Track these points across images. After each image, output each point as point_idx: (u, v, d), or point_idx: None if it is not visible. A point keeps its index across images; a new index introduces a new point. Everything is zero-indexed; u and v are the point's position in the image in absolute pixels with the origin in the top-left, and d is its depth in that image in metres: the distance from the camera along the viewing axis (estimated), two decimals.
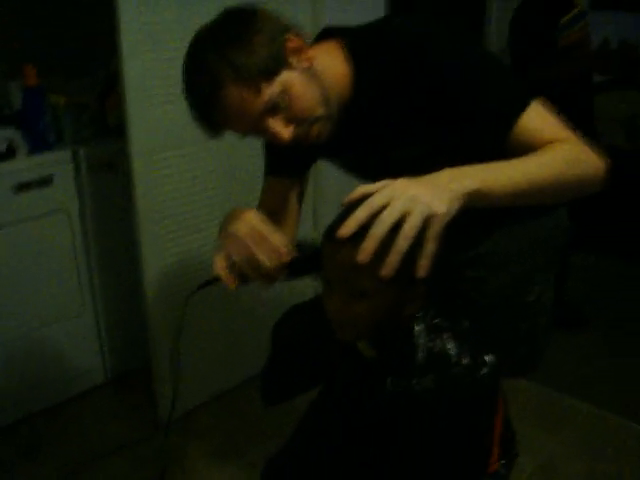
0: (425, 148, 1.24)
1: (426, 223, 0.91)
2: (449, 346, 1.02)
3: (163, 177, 2.12)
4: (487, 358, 1.03)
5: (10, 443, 2.28)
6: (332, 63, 1.20)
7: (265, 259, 1.10)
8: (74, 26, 2.62)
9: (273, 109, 1.11)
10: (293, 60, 1.13)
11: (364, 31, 1.25)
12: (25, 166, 2.17)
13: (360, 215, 0.91)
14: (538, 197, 1.09)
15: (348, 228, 0.91)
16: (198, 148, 2.19)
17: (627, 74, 3.40)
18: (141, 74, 1.97)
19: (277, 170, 1.44)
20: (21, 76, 2.21)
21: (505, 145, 1.14)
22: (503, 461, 1.15)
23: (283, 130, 1.14)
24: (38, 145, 2.23)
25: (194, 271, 2.24)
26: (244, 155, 2.32)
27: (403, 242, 0.90)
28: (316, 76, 1.15)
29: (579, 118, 2.93)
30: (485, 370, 1.01)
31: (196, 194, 2.24)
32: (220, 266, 1.14)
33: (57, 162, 2.25)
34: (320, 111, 1.15)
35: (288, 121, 1.14)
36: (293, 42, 1.13)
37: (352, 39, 1.23)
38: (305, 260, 1.11)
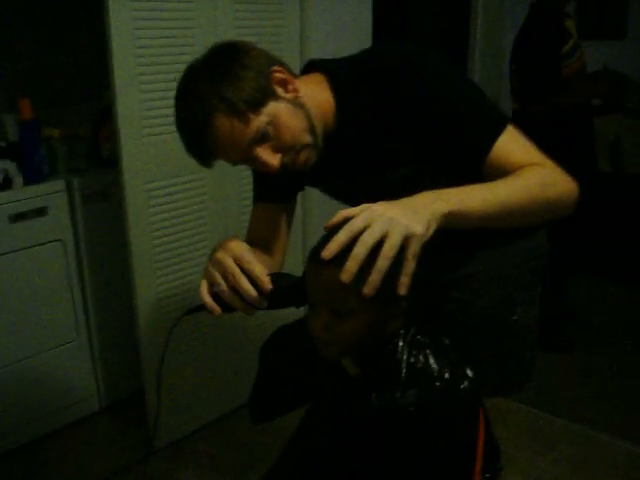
0: (408, 172, 1.30)
1: (405, 243, 0.96)
2: (431, 361, 1.05)
3: (155, 206, 2.16)
4: (467, 372, 1.07)
5: (5, 471, 2.28)
6: (317, 94, 1.25)
7: (247, 288, 1.13)
8: (68, 59, 2.69)
9: (261, 138, 1.16)
10: (279, 91, 1.18)
11: (347, 62, 1.30)
12: (20, 197, 2.21)
13: (342, 237, 0.96)
14: (512, 219, 1.14)
15: (331, 250, 0.96)
16: (190, 178, 2.23)
17: (612, 99, 3.47)
18: (134, 107, 2.02)
19: (265, 197, 1.48)
20: (16, 110, 2.26)
21: (481, 168, 1.19)
22: (488, 475, 1.19)
23: (271, 158, 1.18)
24: (33, 176, 2.28)
25: (186, 299, 2.27)
26: (235, 185, 2.37)
27: (383, 262, 0.94)
28: (302, 106, 1.20)
29: (580, 144, 3.01)
30: (465, 384, 1.05)
31: (188, 223, 2.27)
32: (205, 293, 1.17)
33: (52, 192, 2.30)
34: (306, 139, 1.20)
35: (276, 150, 1.18)
36: (279, 74, 1.18)
37: (336, 70, 1.28)
38: (285, 291, 1.14)
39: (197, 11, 2.10)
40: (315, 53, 2.49)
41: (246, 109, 1.13)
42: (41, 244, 2.30)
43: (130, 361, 2.53)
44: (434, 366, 1.05)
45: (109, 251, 2.47)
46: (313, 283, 1.04)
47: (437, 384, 1.03)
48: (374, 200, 1.01)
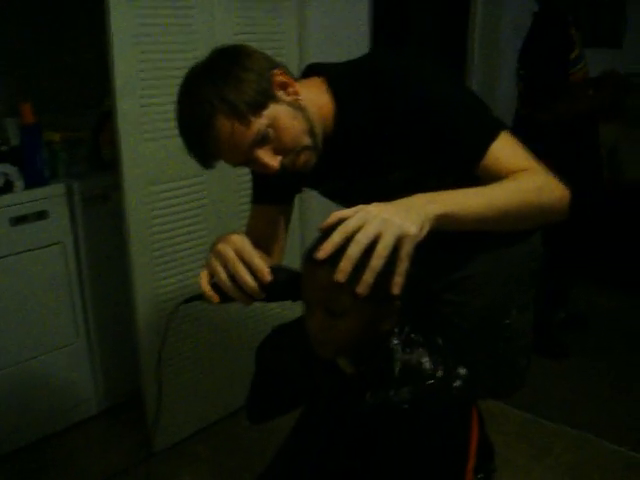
0: (406, 175, 1.32)
1: (398, 243, 0.98)
2: (424, 360, 1.08)
3: (155, 210, 2.17)
4: (460, 371, 1.09)
5: (3, 474, 2.29)
6: (316, 97, 1.27)
7: (247, 279, 1.15)
8: (69, 63, 2.71)
9: (262, 140, 1.18)
10: (280, 94, 1.20)
11: (346, 66, 1.33)
12: (21, 200, 2.23)
13: (336, 238, 0.98)
14: (505, 222, 1.16)
15: (325, 251, 0.98)
16: (189, 182, 2.25)
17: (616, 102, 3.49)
18: (134, 111, 2.04)
19: (264, 198, 1.50)
20: (18, 114, 2.28)
21: (476, 173, 1.21)
22: (481, 475, 1.20)
23: (271, 160, 1.20)
24: (34, 180, 2.29)
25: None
26: (234, 189, 2.39)
27: (377, 261, 0.96)
28: (302, 109, 1.22)
29: (587, 149, 3.03)
30: (458, 382, 1.07)
31: (187, 226, 2.29)
32: (204, 282, 1.19)
33: (52, 196, 2.31)
34: (306, 141, 1.22)
35: (276, 151, 1.21)
36: (280, 77, 1.21)
37: (335, 74, 1.31)
38: (283, 284, 1.16)
39: (197, 17, 2.13)
40: (313, 56, 2.52)
41: (247, 111, 1.15)
42: (42, 247, 2.31)
43: (129, 364, 2.54)
44: (427, 364, 1.07)
45: (109, 254, 2.49)
46: (308, 283, 1.07)
47: (430, 382, 1.06)
48: (370, 202, 1.03)
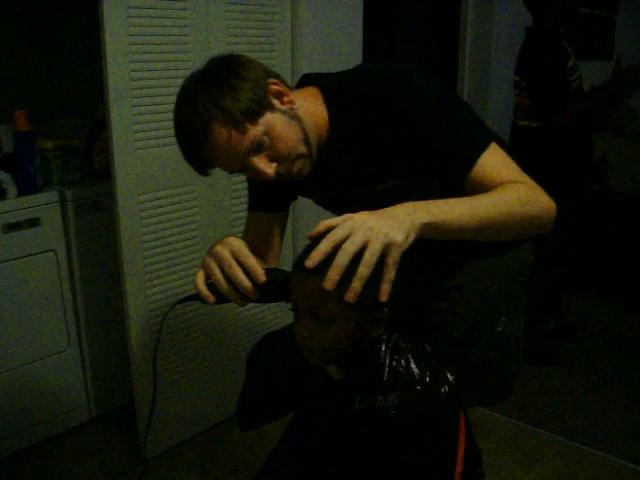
0: (395, 185, 1.34)
1: (385, 251, 1.00)
2: (412, 366, 1.09)
3: (147, 218, 2.18)
4: (448, 377, 1.10)
5: None
6: (311, 106, 1.30)
7: (242, 278, 1.17)
8: (63, 71, 2.73)
9: (257, 148, 1.21)
10: (275, 103, 1.23)
11: (340, 77, 1.35)
12: (14, 207, 2.24)
13: (324, 247, 1.00)
14: (490, 232, 1.18)
15: (314, 260, 1.00)
16: (181, 190, 2.26)
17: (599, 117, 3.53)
18: (127, 119, 2.05)
19: (260, 206, 1.53)
20: (11, 121, 2.30)
21: (464, 184, 1.23)
22: None
23: (267, 167, 1.23)
24: (27, 187, 2.30)
25: (177, 309, 2.30)
26: (225, 197, 2.40)
27: (364, 269, 0.98)
28: (297, 117, 1.25)
29: (583, 160, 3.08)
30: (446, 388, 1.09)
31: (179, 235, 2.30)
32: (200, 282, 1.21)
33: (45, 203, 2.32)
34: (301, 149, 1.25)
35: (271, 159, 1.23)
36: (275, 86, 1.24)
37: (329, 85, 1.34)
38: (278, 285, 1.18)
39: (190, 27, 2.14)
40: (306, 65, 2.54)
41: (243, 119, 1.17)
42: (34, 254, 2.32)
43: (121, 371, 2.55)
44: (415, 370, 1.09)
45: (101, 262, 2.50)
46: (297, 291, 1.08)
47: (418, 388, 1.07)
48: (364, 210, 1.05)
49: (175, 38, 2.12)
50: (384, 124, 1.26)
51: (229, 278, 1.18)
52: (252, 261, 1.18)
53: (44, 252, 2.35)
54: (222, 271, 1.19)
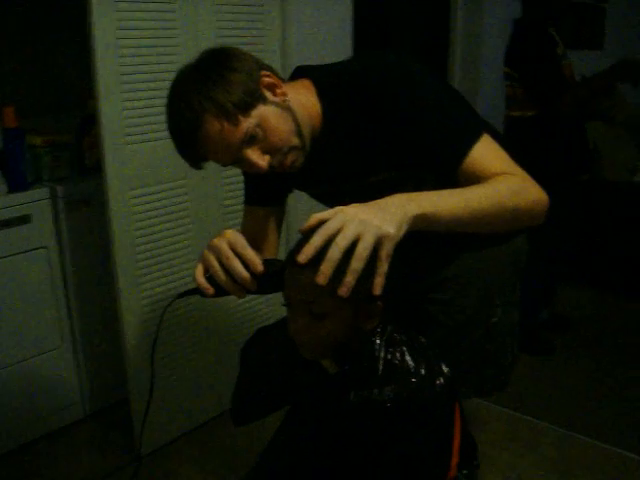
0: (392, 175, 1.34)
1: (378, 244, 0.99)
2: (407, 358, 1.09)
3: (138, 213, 2.18)
4: (443, 369, 1.10)
5: None
6: (304, 98, 1.29)
7: (239, 269, 1.16)
8: (52, 67, 2.70)
9: (250, 140, 1.21)
10: (268, 95, 1.23)
11: (333, 69, 1.35)
12: (4, 204, 2.22)
13: (316, 241, 0.99)
14: (482, 224, 1.17)
15: (306, 254, 0.99)
16: (172, 185, 2.25)
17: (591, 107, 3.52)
18: (117, 115, 2.04)
19: (255, 199, 1.53)
20: (0, 118, 2.28)
21: (457, 175, 1.23)
22: (465, 471, 1.22)
23: (260, 160, 1.23)
24: (17, 184, 2.29)
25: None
26: (217, 192, 2.39)
27: (357, 263, 0.98)
28: (289, 110, 1.25)
29: (579, 149, 3.09)
30: (441, 380, 1.08)
31: (171, 230, 2.29)
32: (199, 275, 1.21)
33: (36, 200, 2.31)
34: (294, 142, 1.25)
35: (264, 151, 1.23)
36: (268, 78, 1.24)
37: (321, 76, 1.33)
38: (275, 275, 1.17)
39: (179, 20, 2.13)
40: (296, 58, 2.53)
41: (236, 111, 1.17)
42: (25, 251, 2.31)
43: (115, 368, 2.54)
44: (410, 363, 1.08)
45: (93, 258, 2.49)
46: (291, 286, 1.08)
47: (413, 380, 1.07)
48: (358, 203, 1.04)
49: (164, 32, 2.10)
50: (377, 116, 1.25)
51: (227, 269, 1.18)
52: (249, 252, 1.18)
53: (35, 249, 2.34)
54: (220, 263, 1.18)
